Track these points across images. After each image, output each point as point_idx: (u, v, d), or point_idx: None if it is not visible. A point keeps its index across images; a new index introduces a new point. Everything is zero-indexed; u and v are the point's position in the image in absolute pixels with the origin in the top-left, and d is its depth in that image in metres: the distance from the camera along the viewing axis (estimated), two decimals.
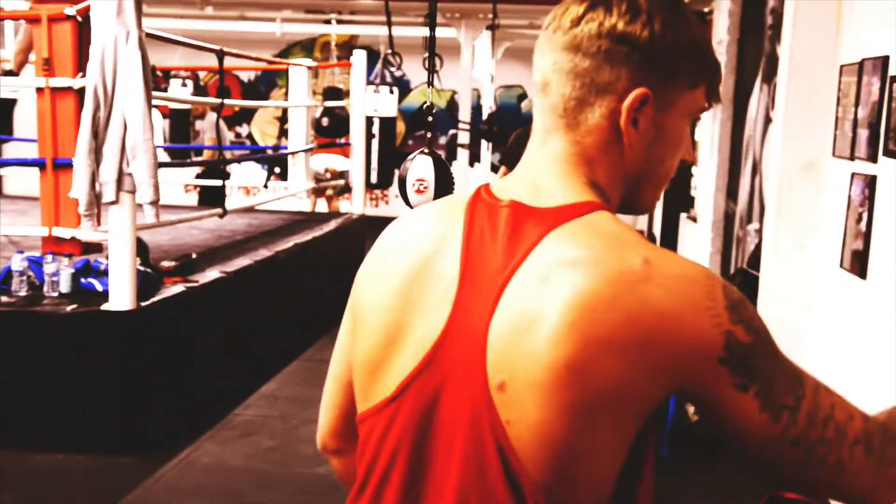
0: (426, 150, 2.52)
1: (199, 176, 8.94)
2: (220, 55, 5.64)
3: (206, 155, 8.87)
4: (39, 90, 4.25)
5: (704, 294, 0.90)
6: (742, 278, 4.81)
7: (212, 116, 9.49)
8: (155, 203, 3.87)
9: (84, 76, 4.11)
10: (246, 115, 13.46)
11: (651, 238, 11.50)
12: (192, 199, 10.08)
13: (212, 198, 9.02)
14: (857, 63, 3.72)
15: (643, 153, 1.01)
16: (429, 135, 2.71)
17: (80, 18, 4.14)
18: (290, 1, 11.22)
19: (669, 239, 9.41)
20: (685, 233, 8.96)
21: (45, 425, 3.96)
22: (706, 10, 8.22)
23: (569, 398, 0.88)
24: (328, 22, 11.77)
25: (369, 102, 7.98)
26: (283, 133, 12.72)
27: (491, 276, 0.96)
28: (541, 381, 0.89)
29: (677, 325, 0.88)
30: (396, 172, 1.71)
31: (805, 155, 4.14)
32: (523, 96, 13.17)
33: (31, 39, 4.51)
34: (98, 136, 3.81)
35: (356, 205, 7.91)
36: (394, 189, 12.20)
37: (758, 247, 4.99)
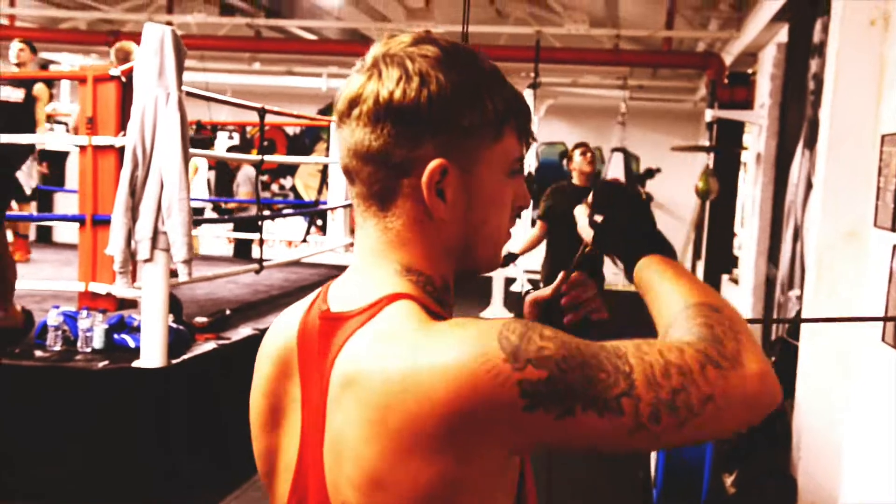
0: None
1: (235, 228, 9.05)
2: (262, 112, 5.73)
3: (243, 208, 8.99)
4: (82, 148, 4.33)
5: (478, 363, 0.82)
6: (781, 346, 4.70)
7: (249, 170, 9.63)
8: (188, 262, 3.90)
9: (125, 135, 4.19)
10: (290, 168, 13.63)
11: None
12: (230, 249, 10.19)
13: (247, 250, 9.12)
14: None
15: (461, 222, 0.96)
16: None
17: (123, 79, 4.23)
18: (335, 59, 11.41)
19: None
20: (726, 294, 8.83)
21: (74, 481, 3.95)
22: (749, 71, 8.20)
23: None
24: None
25: None
26: (324, 187, 12.87)
27: (317, 398, 0.94)
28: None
29: (467, 405, 0.82)
30: None
31: (846, 224, 4.06)
32: (565, 153, 13.18)
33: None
34: (135, 195, 3.86)
35: None
36: None
37: (798, 314, 4.89)
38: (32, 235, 7.15)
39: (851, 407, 4.03)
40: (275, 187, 13.67)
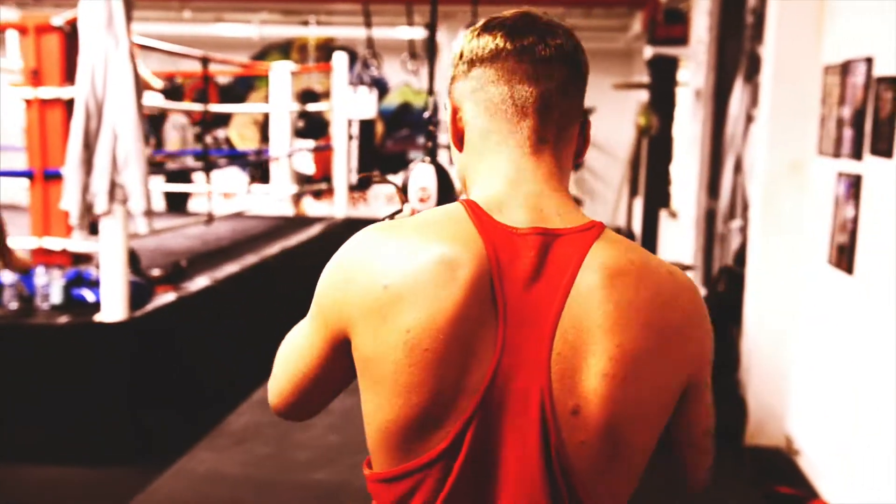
0: (427, 159, 2.53)
1: (168, 181, 8.90)
2: (205, 61, 5.63)
3: (177, 160, 8.84)
4: (28, 101, 4.23)
5: (706, 321, 1.12)
6: (728, 276, 4.87)
7: (178, 119, 9.43)
8: (148, 213, 3.86)
9: (72, 86, 4.10)
10: (223, 119, 13.39)
11: (630, 235, 11.60)
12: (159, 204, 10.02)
13: (181, 203, 8.99)
14: (840, 64, 3.78)
15: None
16: (429, 143, 2.72)
17: (67, 29, 4.12)
18: (267, 4, 11.20)
19: (649, 235, 9.49)
20: (665, 229, 9.04)
21: (39, 437, 3.94)
22: (684, 7, 8.30)
23: (639, 398, 1.03)
24: (306, 24, 11.75)
25: (350, 104, 7.99)
26: (264, 137, 12.70)
27: (538, 309, 1.01)
28: (613, 394, 1.01)
29: (696, 331, 1.09)
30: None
31: (790, 154, 4.21)
32: None
33: None
34: (89, 147, 3.80)
35: (339, 207, 7.91)
36: (373, 191, 12.22)
37: (742, 244, 5.06)
38: None
39: (798, 328, 4.22)
40: (208, 139, 13.44)
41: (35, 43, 4.16)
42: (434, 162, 2.56)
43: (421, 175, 2.58)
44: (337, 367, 1.13)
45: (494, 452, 1.01)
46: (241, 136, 13.36)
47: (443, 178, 2.61)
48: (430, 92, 2.70)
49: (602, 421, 1.00)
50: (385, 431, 1.04)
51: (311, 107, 8.59)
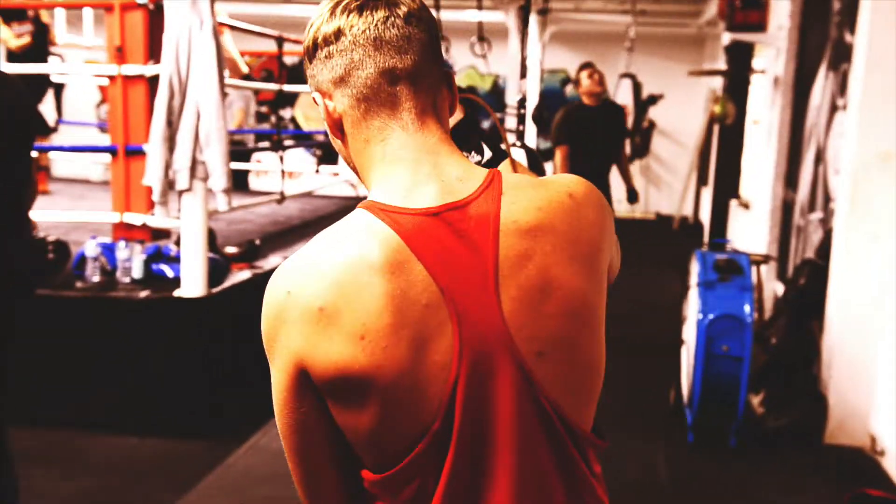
0: (519, 143, 2.50)
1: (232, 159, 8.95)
2: (279, 41, 5.65)
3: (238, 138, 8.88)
4: (111, 78, 4.27)
5: (599, 196, 1.14)
6: (809, 269, 4.75)
7: (239, 99, 9.47)
8: (228, 191, 3.88)
9: (155, 64, 4.14)
10: (289, 99, 13.47)
11: (698, 225, 11.42)
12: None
13: (239, 181, 9.02)
14: None
15: None
16: (520, 127, 2.68)
17: (151, 6, 4.15)
18: None
19: (719, 225, 9.32)
20: (736, 219, 8.87)
21: (119, 408, 4.01)
22: None
23: (594, 315, 1.09)
24: None
25: None
26: None
27: (475, 276, 1.03)
28: (573, 313, 1.06)
29: (604, 223, 1.13)
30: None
31: (881, 144, 4.07)
32: (567, 80, 13.07)
33: None
34: (172, 124, 3.82)
35: None
36: None
37: (825, 237, 4.92)
38: None
39: (886, 325, 4.09)
40: (273, 119, 13.54)
41: (120, 20, 4.20)
42: (524, 146, 2.53)
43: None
44: (311, 409, 1.08)
45: (484, 410, 1.03)
46: (307, 117, 13.43)
47: (533, 161, 2.58)
48: (523, 75, 2.65)
49: (565, 354, 1.05)
50: (375, 436, 1.04)
51: None
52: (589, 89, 5.62)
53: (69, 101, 10.49)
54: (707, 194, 10.92)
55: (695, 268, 4.23)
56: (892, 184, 4.06)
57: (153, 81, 4.17)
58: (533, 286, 1.03)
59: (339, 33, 1.08)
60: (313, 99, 1.13)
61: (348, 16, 1.07)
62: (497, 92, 13.31)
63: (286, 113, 13.61)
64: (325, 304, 1.00)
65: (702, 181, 11.80)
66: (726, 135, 9.15)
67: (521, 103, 2.55)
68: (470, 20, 10.23)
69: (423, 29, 1.09)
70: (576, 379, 1.07)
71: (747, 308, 4.04)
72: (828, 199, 5.34)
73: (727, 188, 9.34)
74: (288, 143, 10.96)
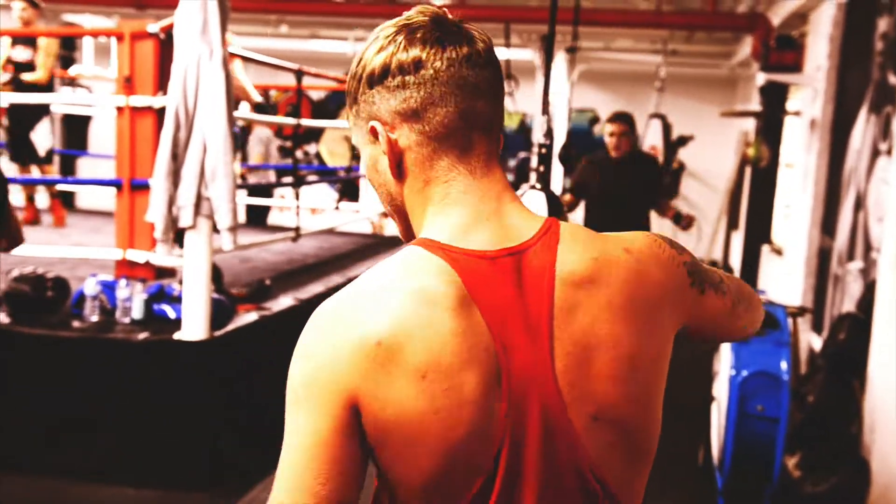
0: (537, 185, 2.28)
1: (249, 194, 8.80)
2: (299, 75, 5.50)
3: (258, 174, 8.73)
4: (119, 109, 4.11)
5: (665, 251, 1.09)
6: (850, 322, 4.47)
7: (263, 132, 9.33)
8: (234, 229, 3.69)
9: (165, 95, 3.97)
10: (314, 134, 13.37)
11: (728, 269, 11.11)
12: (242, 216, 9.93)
13: (261, 217, 8.86)
14: None
15: None
16: (541, 168, 2.47)
17: (162, 36, 4.00)
18: (363, 20, 11.12)
19: (750, 271, 9.03)
20: (767, 265, 8.58)
21: (115, 456, 3.78)
22: (795, 33, 7.88)
23: (647, 383, 1.04)
24: None
25: None
26: (354, 154, 12.60)
27: (529, 327, 0.97)
28: (623, 377, 1.00)
29: (667, 281, 1.06)
30: None
31: None
32: (595, 120, 12.88)
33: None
34: (177, 158, 3.64)
35: None
36: None
37: (867, 289, 4.64)
38: (44, 201, 6.85)
39: None
40: (299, 153, 13.44)
41: (130, 49, 4.04)
42: (545, 189, 2.31)
43: (532, 203, 2.33)
44: (353, 457, 0.98)
45: (523, 470, 0.97)
46: (331, 153, 13.31)
47: (554, 206, 2.36)
48: (545, 111, 2.43)
49: (619, 420, 0.99)
50: (425, 486, 0.97)
51: None
52: (611, 146, 5.39)
53: (95, 133, 10.45)
54: (737, 239, 10.62)
55: None
56: None
57: (162, 113, 4.00)
58: (586, 343, 0.98)
59: (418, 64, 1.01)
60: (371, 128, 1.04)
61: (430, 47, 1.01)
62: (525, 130, 13.12)
63: (311, 148, 13.52)
64: (385, 338, 0.94)
65: (732, 225, 11.50)
66: (759, 178, 8.88)
67: (544, 143, 2.33)
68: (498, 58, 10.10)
69: (497, 69, 1.05)
70: (626, 450, 1.02)
71: (784, 365, 3.76)
72: (868, 247, 5.07)
73: (759, 233, 9.06)
74: (311, 178, 10.85)
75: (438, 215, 1.02)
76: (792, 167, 8.40)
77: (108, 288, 3.99)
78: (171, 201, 3.67)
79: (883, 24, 5.15)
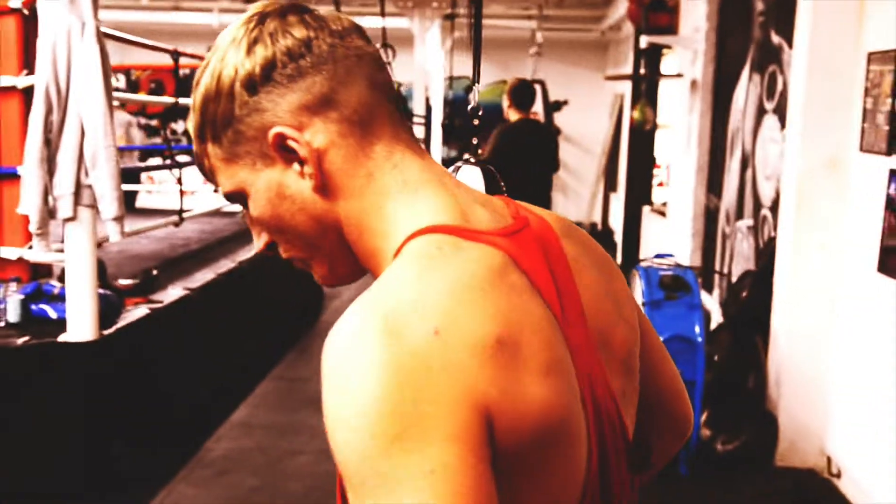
0: (472, 160, 2.13)
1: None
2: (175, 56, 5.18)
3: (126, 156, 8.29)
4: None
5: None
6: (752, 280, 4.53)
7: (123, 115, 8.84)
8: (120, 218, 3.40)
9: (31, 74, 3.62)
10: (181, 111, 12.78)
11: (608, 232, 11.28)
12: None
13: (130, 202, 8.41)
14: (893, 50, 3.43)
15: None
16: (475, 141, 2.32)
17: (26, 12, 3.62)
18: None
19: (631, 233, 9.16)
20: (649, 227, 8.72)
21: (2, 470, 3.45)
22: None
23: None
24: None
25: None
26: None
27: (567, 304, 0.84)
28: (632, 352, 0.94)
29: None
30: None
31: (828, 150, 3.86)
32: (470, 87, 12.80)
33: None
34: (51, 143, 3.31)
35: None
36: None
37: (764, 246, 4.71)
38: None
39: (837, 338, 3.88)
40: (166, 133, 12.85)
41: None
42: (480, 163, 2.17)
43: (468, 178, 2.18)
44: (493, 485, 0.71)
45: (607, 449, 0.85)
46: None
47: (490, 181, 2.22)
48: (476, 81, 2.27)
49: (633, 370, 0.93)
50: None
51: None
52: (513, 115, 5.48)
53: None
54: (616, 201, 10.79)
55: (638, 285, 3.94)
56: (838, 191, 3.86)
57: (28, 94, 3.65)
58: (602, 320, 0.88)
59: (309, 44, 0.84)
60: (275, 138, 0.83)
61: (310, 27, 0.85)
62: (401, 100, 12.93)
63: (178, 126, 12.96)
64: (501, 334, 0.73)
65: (610, 188, 11.68)
66: (637, 140, 9.00)
67: (474, 113, 2.18)
68: (373, 26, 9.86)
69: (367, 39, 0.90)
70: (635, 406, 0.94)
71: (697, 328, 3.77)
72: (759, 205, 5.16)
73: (639, 195, 9.19)
74: (182, 158, 10.35)
75: (411, 205, 0.84)
76: (669, 128, 8.55)
77: None
78: (47, 191, 3.34)
79: None
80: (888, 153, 3.45)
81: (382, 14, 8.45)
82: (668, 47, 7.90)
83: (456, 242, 0.79)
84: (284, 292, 6.23)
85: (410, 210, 0.84)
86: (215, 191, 5.30)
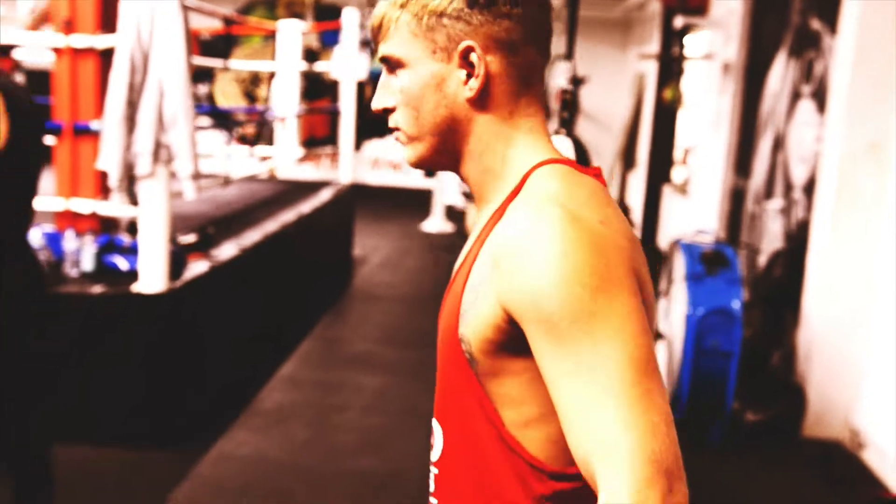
0: (563, 130, 2.28)
1: None
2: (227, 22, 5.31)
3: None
4: (58, 51, 3.86)
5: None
6: (785, 259, 4.69)
7: None
8: (196, 176, 3.56)
9: (107, 35, 3.76)
10: (205, 74, 12.89)
11: (624, 209, 11.41)
12: None
13: None
14: None
15: None
16: (565, 114, 2.47)
17: None
18: None
19: (651, 210, 9.31)
20: (670, 205, 8.86)
21: (74, 416, 3.62)
22: None
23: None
24: None
25: (352, 65, 7.65)
26: (248, 95, 12.24)
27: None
28: None
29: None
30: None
31: (869, 133, 4.02)
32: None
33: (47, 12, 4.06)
34: (132, 103, 3.46)
35: (344, 173, 7.60)
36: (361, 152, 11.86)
37: (798, 227, 4.87)
38: None
39: (872, 315, 4.05)
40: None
41: None
42: (571, 134, 2.32)
43: (560, 148, 2.34)
44: None
45: None
46: (224, 94, 12.90)
47: (580, 153, 2.37)
48: (570, 56, 2.42)
49: None
50: None
51: (318, 67, 8.24)
52: None
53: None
54: (635, 179, 10.92)
55: (680, 260, 4.10)
56: (879, 174, 4.02)
57: (105, 55, 3.79)
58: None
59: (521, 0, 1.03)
60: (465, 48, 1.01)
61: None
62: None
63: (202, 89, 13.05)
64: (630, 233, 0.98)
65: (628, 165, 11.81)
66: (662, 119, 9.12)
67: (571, 88, 2.33)
68: None
69: None
70: None
71: (736, 303, 3.94)
72: (789, 186, 5.31)
73: (661, 173, 9.33)
74: (207, 121, 10.48)
75: (533, 146, 1.05)
76: (694, 108, 8.66)
77: (52, 240, 3.79)
78: (126, 147, 3.50)
79: None
80: None
81: None
82: (694, 27, 8.01)
83: (572, 171, 1.01)
84: (320, 256, 6.40)
85: (532, 149, 1.05)
86: (251, 154, 5.44)
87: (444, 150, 1.07)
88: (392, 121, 1.09)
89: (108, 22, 3.80)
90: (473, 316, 0.98)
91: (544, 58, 1.06)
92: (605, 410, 0.84)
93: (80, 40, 3.82)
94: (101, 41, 3.80)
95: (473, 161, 1.07)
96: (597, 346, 0.86)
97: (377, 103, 1.09)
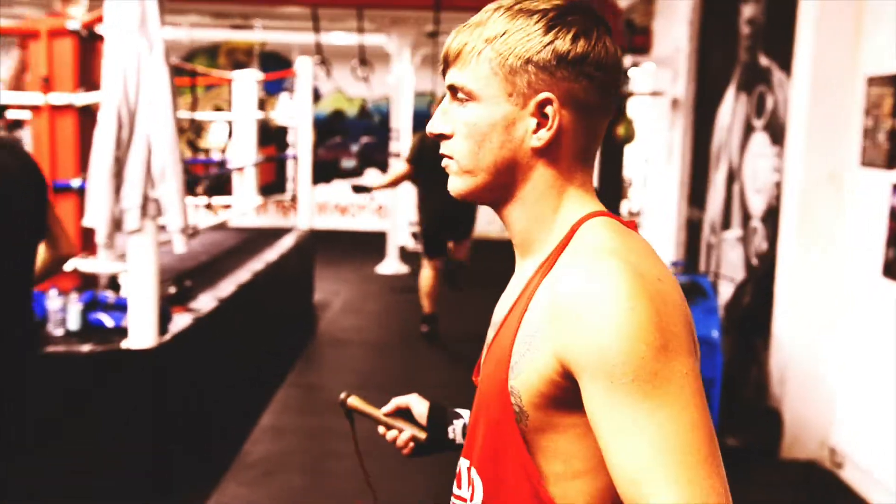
0: None
1: None
2: (192, 74, 5.31)
3: None
4: (35, 109, 3.84)
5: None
6: (753, 287, 4.85)
7: None
8: (185, 230, 3.56)
9: (85, 93, 3.76)
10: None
11: None
12: None
13: None
14: (891, 76, 3.79)
15: None
16: None
17: (83, 33, 3.76)
18: (197, 5, 10.75)
19: None
20: None
21: (69, 474, 3.56)
22: (633, 17, 8.34)
23: None
24: (238, 28, 11.32)
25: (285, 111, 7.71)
26: (192, 146, 12.15)
27: None
28: None
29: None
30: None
31: (828, 165, 4.21)
32: (432, 101, 13.08)
33: (25, 62, 4.05)
34: (119, 159, 3.47)
35: (302, 218, 7.63)
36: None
37: (766, 255, 5.04)
38: None
39: (839, 338, 4.21)
40: None
41: (47, 48, 3.78)
42: None
43: None
44: None
45: None
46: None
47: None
48: None
49: None
50: None
51: (276, 115, 8.27)
52: None
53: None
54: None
55: None
56: (838, 202, 4.20)
57: (84, 111, 3.79)
58: None
59: (614, 67, 1.06)
60: (544, 100, 1.03)
61: (618, 57, 1.07)
62: (365, 115, 13.14)
63: None
64: (680, 294, 0.97)
65: None
66: (610, 154, 9.36)
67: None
68: (350, 43, 10.06)
69: None
70: None
71: (715, 332, 4.06)
72: (747, 216, 5.50)
73: (610, 206, 9.51)
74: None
75: (581, 200, 1.07)
76: (640, 142, 8.92)
77: (34, 299, 3.74)
78: (114, 204, 3.49)
79: (748, 10, 5.57)
80: (889, 167, 3.80)
81: (361, 31, 8.68)
82: (637, 66, 8.27)
83: (621, 224, 1.05)
84: (286, 304, 6.41)
85: (581, 201, 1.07)
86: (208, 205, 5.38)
87: (495, 189, 1.08)
88: (446, 148, 1.09)
89: (86, 79, 3.80)
90: (525, 368, 0.98)
91: (605, 127, 1.10)
92: (665, 469, 0.87)
93: (59, 98, 3.82)
94: (80, 98, 3.80)
95: (524, 207, 1.08)
96: (654, 406, 0.88)
97: (434, 128, 1.10)
